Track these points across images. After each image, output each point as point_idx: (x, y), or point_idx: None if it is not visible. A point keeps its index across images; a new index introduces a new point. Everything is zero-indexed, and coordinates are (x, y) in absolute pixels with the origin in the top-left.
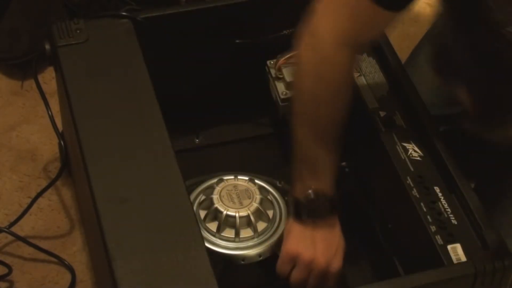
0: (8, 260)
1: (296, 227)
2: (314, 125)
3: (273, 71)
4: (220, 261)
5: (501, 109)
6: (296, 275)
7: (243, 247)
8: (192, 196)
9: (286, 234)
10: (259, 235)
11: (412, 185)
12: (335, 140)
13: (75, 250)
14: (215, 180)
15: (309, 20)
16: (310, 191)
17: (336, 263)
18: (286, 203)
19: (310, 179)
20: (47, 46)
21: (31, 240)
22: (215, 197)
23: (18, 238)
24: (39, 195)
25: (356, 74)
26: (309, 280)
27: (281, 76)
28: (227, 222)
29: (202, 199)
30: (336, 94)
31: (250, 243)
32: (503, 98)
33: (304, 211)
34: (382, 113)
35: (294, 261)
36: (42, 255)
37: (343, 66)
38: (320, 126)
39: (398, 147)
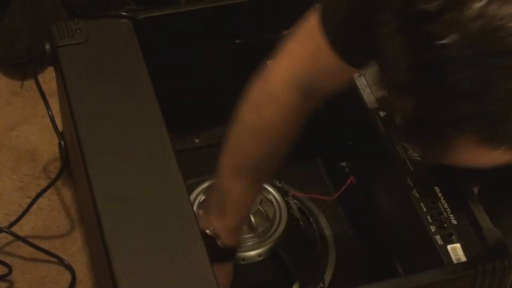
0: (8, 260)
1: None
2: (239, 157)
3: None
4: None
5: None
6: None
7: (243, 247)
8: (192, 196)
9: None
10: (259, 235)
11: (412, 185)
12: (257, 181)
13: (75, 250)
14: None
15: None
16: (208, 231)
17: None
18: (286, 203)
19: (215, 215)
20: (47, 46)
21: (31, 240)
22: None
23: (18, 238)
24: (39, 195)
25: (356, 74)
26: None
27: None
28: None
29: (202, 199)
30: (273, 134)
31: (250, 243)
32: None
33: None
34: (382, 113)
35: None
36: (42, 255)
37: (287, 107)
38: (245, 161)
39: (398, 147)
